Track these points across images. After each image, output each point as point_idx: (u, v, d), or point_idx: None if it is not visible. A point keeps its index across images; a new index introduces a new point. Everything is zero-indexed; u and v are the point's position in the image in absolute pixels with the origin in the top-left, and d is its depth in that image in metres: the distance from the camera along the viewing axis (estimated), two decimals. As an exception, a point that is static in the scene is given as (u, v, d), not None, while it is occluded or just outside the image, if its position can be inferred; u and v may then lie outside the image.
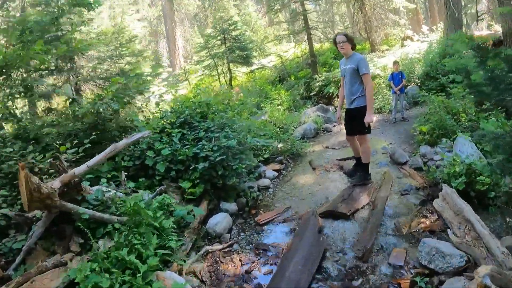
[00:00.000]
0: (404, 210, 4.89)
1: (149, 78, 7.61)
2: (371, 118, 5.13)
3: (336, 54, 17.63)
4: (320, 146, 8.64)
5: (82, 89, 7.69)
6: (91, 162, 4.08)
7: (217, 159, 5.12)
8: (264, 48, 24.64)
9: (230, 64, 18.13)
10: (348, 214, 4.73)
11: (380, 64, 13.51)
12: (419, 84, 12.40)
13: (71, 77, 7.32)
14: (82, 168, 3.95)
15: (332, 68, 15.53)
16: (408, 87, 12.02)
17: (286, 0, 16.56)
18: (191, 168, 5.16)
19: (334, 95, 13.41)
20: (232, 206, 5.32)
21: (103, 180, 4.50)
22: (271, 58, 21.34)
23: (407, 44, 16.72)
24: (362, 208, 4.99)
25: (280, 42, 22.61)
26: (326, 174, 6.67)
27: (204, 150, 5.26)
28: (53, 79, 7.38)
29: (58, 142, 4.73)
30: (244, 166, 5.51)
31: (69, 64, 7.27)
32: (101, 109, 5.19)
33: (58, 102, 7.33)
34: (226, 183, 5.28)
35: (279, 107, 11.52)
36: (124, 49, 7.77)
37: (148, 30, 38.71)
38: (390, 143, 8.01)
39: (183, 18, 35.64)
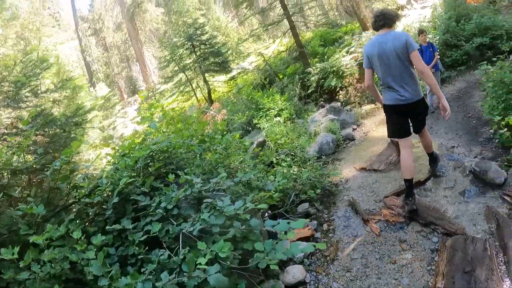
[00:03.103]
0: None
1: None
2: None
3: (324, 40, 15.32)
4: (352, 168, 6.09)
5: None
6: None
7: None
8: (241, 51, 22.14)
9: (206, 74, 15.59)
10: None
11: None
12: (439, 57, 10.00)
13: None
14: None
15: (325, 57, 13.04)
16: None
17: None
18: None
19: (337, 89, 10.94)
20: None
21: None
22: (251, 59, 18.81)
23: (405, 14, 14.36)
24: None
25: (258, 39, 20.09)
26: (391, 231, 4.21)
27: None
28: None
29: None
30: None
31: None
32: None
33: None
34: None
35: (278, 118, 8.99)
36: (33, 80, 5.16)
37: (118, 56, 36.65)
38: (452, 147, 5.56)
39: (151, 37, 33.30)
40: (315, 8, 27.81)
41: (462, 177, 4.71)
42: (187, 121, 5.54)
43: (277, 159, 5.70)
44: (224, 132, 5.58)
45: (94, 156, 3.91)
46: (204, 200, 2.87)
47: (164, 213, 2.86)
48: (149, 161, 3.51)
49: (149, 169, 3.41)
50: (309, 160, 6.18)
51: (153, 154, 3.58)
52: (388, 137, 4.61)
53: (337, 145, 7.36)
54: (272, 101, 9.39)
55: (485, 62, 6.31)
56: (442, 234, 3.95)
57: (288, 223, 2.54)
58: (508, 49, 7.53)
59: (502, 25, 8.34)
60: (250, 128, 9.17)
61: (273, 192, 4.13)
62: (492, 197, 4.21)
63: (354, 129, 8.04)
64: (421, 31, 7.41)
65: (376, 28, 4.00)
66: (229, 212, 2.62)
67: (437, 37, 10.24)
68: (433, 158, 4.75)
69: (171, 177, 3.22)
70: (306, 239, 4.29)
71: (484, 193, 4.31)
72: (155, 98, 20.77)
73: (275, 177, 4.70)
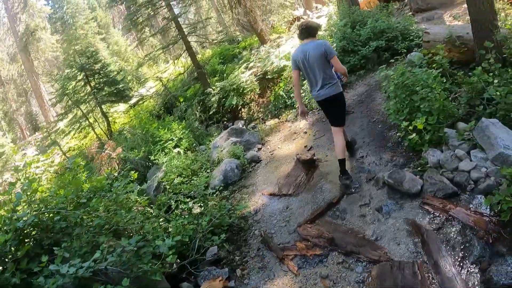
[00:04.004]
0: None
1: None
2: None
3: (223, 58, 14.74)
4: (261, 195, 5.37)
5: None
6: None
7: None
8: (139, 76, 20.79)
9: (103, 106, 14.07)
10: None
11: (284, 52, 10.70)
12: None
13: None
14: None
15: (224, 75, 12.40)
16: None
17: (149, 6, 12.76)
18: None
19: (239, 107, 10.30)
20: None
21: None
22: (151, 84, 17.61)
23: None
24: None
25: (154, 63, 18.92)
26: (310, 267, 3.60)
27: None
28: None
29: None
30: None
31: None
32: None
33: None
34: None
35: (177, 149, 7.97)
36: None
37: (15, 90, 32.84)
38: (361, 157, 5.08)
39: (49, 67, 30.28)
40: (214, 25, 27.61)
41: (377, 190, 4.22)
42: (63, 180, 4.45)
43: (176, 201, 4.71)
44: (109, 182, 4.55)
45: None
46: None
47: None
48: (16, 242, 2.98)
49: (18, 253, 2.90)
50: (213, 194, 5.33)
51: (22, 232, 3.04)
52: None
53: (243, 170, 6.61)
54: (169, 131, 8.33)
55: (383, 66, 6.08)
56: (367, 262, 3.37)
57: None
58: (405, 50, 7.54)
59: (396, 27, 8.38)
60: (150, 164, 8.03)
61: (168, 254, 3.26)
62: (411, 209, 3.76)
63: (259, 149, 7.38)
64: None
65: (302, 38, 4.52)
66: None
67: (334, 45, 10.15)
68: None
69: (45, 258, 2.83)
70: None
71: (402, 206, 3.83)
72: (50, 139, 18.62)
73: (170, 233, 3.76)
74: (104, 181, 4.56)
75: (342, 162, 4.53)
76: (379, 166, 4.66)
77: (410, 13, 11.57)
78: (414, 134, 4.25)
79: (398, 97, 4.79)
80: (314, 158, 5.41)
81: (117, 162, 8.34)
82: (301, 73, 4.62)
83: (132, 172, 5.10)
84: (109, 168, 8.46)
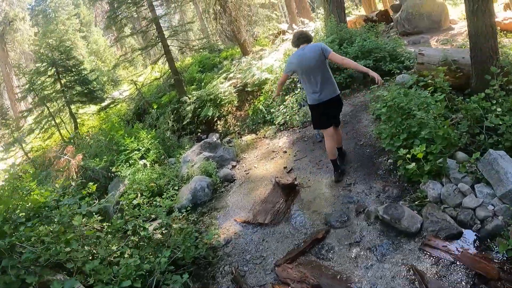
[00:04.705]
0: None
1: None
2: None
3: (202, 66, 14.13)
4: (233, 221, 4.70)
5: None
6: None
7: None
8: (116, 78, 19.84)
9: (72, 106, 13.13)
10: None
11: (266, 65, 10.15)
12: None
13: None
14: None
15: (202, 84, 11.71)
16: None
17: (131, 4, 12.00)
18: None
19: (215, 119, 9.63)
20: None
21: None
22: (125, 88, 16.73)
23: (287, 38, 13.89)
24: None
25: (132, 65, 18.05)
26: None
27: None
28: None
29: None
30: None
31: None
32: None
33: None
34: None
35: (143, 161, 7.13)
36: None
37: None
38: (349, 184, 4.52)
39: (23, 61, 28.69)
40: (197, 32, 27.07)
41: (368, 225, 3.65)
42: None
43: (133, 226, 3.96)
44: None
45: None
46: None
47: None
48: None
49: None
50: (180, 215, 4.65)
51: None
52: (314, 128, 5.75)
53: (215, 189, 5.93)
54: (136, 141, 7.54)
55: (375, 86, 5.65)
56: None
57: None
58: (398, 70, 7.17)
59: (384, 47, 8.01)
60: (113, 175, 7.20)
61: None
62: (409, 251, 3.21)
63: (234, 167, 6.72)
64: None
65: (298, 44, 4.52)
66: None
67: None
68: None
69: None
70: None
71: (398, 247, 3.29)
72: (13, 137, 17.36)
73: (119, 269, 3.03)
74: (49, 196, 3.81)
75: (334, 161, 4.66)
76: (370, 197, 4.12)
77: (396, 35, 11.34)
78: (413, 164, 3.72)
79: (394, 121, 4.30)
80: (295, 183, 4.80)
81: (76, 170, 7.46)
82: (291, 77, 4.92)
83: (91, 183, 4.36)
84: (63, 176, 7.55)
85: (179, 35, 13.13)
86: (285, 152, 6.43)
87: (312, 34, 12.08)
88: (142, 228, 3.70)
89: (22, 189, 3.90)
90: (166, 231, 3.89)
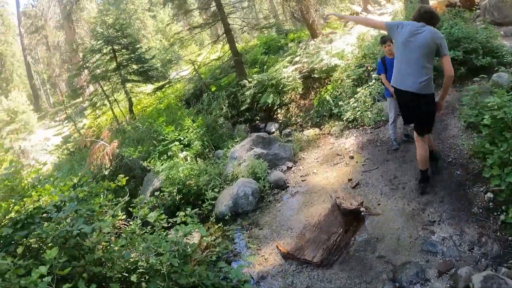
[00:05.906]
0: None
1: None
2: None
3: (267, 47, 13.15)
4: (274, 249, 3.73)
5: None
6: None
7: None
8: (177, 57, 19.45)
9: (128, 85, 12.83)
10: None
11: (337, 49, 8.91)
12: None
13: None
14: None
15: (265, 67, 10.72)
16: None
17: None
18: None
19: (276, 106, 8.66)
20: None
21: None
22: (183, 68, 16.26)
23: (359, 20, 12.48)
24: None
25: (190, 44, 17.38)
26: None
27: None
28: None
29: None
30: None
31: None
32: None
33: None
34: None
35: (183, 154, 6.31)
36: None
37: (60, 56, 32.83)
38: (432, 222, 3.35)
39: (88, 39, 30.04)
40: (265, 13, 26.20)
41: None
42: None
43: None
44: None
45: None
46: None
47: None
48: None
49: None
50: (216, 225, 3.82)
51: None
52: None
53: (261, 197, 4.98)
54: (179, 129, 6.77)
55: (473, 85, 4.38)
56: None
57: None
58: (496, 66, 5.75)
59: (475, 37, 6.49)
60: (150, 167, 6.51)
61: None
62: None
63: (289, 168, 5.73)
64: (384, 40, 5.21)
65: (418, 19, 3.69)
66: None
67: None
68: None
69: None
70: None
71: None
72: (66, 113, 17.81)
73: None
74: (61, 194, 3.11)
75: (423, 172, 3.90)
76: (459, 249, 2.95)
77: (483, 26, 9.58)
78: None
79: (508, 143, 3.05)
80: (361, 209, 3.71)
81: (110, 157, 6.88)
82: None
83: (121, 176, 3.67)
84: (96, 163, 6.96)
85: (239, 11, 12.16)
86: (352, 157, 5.34)
87: (389, 17, 10.65)
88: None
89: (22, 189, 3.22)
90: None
